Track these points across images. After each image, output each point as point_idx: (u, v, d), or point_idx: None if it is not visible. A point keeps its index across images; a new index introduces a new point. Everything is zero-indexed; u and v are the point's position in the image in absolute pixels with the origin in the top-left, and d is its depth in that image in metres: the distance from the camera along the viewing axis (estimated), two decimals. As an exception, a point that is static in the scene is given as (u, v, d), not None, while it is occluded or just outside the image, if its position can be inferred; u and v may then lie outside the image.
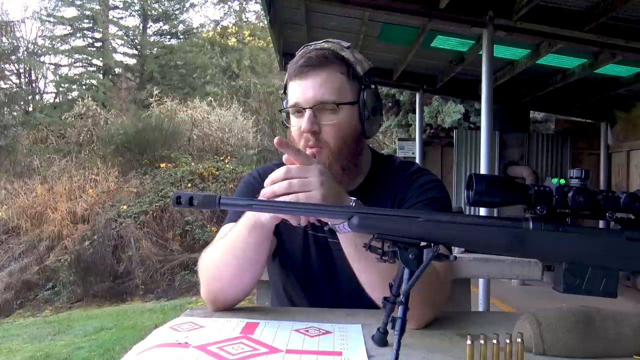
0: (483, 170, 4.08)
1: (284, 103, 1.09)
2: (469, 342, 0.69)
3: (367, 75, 1.05)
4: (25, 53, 16.27)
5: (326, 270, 1.09)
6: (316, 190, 0.82)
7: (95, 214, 8.82)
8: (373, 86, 1.06)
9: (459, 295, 1.22)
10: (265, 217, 0.88)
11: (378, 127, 1.10)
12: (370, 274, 0.88)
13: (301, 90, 1.01)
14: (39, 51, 17.13)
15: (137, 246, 8.06)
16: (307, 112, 1.00)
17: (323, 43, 1.07)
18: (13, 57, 15.13)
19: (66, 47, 17.94)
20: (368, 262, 0.85)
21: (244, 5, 21.37)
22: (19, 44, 15.63)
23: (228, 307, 1.00)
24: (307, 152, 1.00)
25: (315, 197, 0.81)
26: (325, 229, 1.09)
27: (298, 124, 1.03)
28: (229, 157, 11.28)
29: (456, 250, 1.48)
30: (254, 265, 0.96)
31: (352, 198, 0.87)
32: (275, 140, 0.84)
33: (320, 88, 1.00)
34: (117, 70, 18.26)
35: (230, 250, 0.95)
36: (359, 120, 1.04)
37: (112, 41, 18.54)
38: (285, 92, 1.09)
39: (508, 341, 0.70)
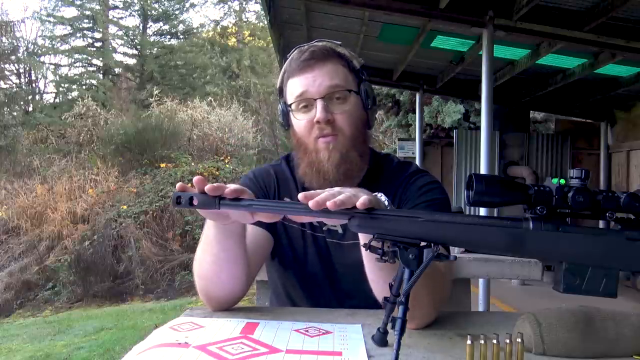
0: (483, 170, 4.08)
1: (280, 104, 1.09)
2: (469, 342, 0.69)
3: (362, 69, 1.09)
4: (25, 53, 16.31)
5: (325, 270, 1.09)
6: (357, 191, 0.76)
7: (95, 214, 8.82)
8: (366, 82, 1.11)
9: (459, 295, 1.22)
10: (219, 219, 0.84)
11: (375, 119, 1.13)
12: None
13: (308, 81, 1.02)
14: (39, 51, 17.16)
15: (137, 246, 8.06)
16: (320, 102, 1.01)
17: (316, 43, 1.09)
18: (13, 57, 15.15)
19: (66, 47, 17.99)
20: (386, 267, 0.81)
21: (244, 5, 21.40)
22: (19, 44, 15.68)
23: (222, 306, 0.99)
24: (322, 142, 1.02)
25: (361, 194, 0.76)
26: (324, 229, 1.09)
27: (308, 117, 1.03)
28: (229, 157, 11.28)
29: (456, 250, 1.48)
30: (228, 263, 0.93)
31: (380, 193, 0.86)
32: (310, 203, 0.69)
33: (329, 76, 1.02)
34: (117, 70, 18.29)
35: (203, 248, 0.95)
36: (364, 109, 1.07)
37: (112, 41, 18.56)
38: (281, 95, 1.09)
39: (508, 341, 0.70)
